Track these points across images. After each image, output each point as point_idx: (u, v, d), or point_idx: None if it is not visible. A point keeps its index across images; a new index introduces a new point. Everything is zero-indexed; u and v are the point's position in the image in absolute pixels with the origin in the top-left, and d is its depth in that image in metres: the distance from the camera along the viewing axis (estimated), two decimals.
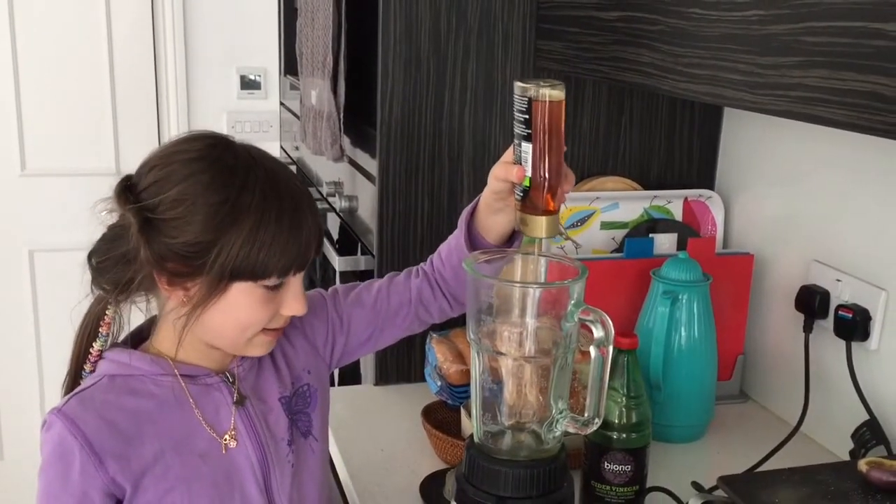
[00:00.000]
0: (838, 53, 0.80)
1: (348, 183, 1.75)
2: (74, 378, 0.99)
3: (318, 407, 1.08)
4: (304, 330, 1.08)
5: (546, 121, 0.92)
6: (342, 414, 1.44)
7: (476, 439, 0.98)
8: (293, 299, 0.96)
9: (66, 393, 0.98)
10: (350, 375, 1.72)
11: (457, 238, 1.08)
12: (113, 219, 0.94)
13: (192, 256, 0.89)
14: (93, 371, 0.98)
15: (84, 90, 2.57)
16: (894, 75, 0.73)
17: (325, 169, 1.94)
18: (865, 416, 1.24)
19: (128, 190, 0.91)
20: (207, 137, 0.95)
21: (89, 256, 0.95)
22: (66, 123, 2.58)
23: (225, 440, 0.98)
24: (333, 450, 1.35)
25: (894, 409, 1.22)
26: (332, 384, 1.76)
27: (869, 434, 1.22)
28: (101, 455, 0.90)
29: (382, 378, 1.54)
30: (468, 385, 1.31)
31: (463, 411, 1.28)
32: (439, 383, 1.35)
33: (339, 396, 1.53)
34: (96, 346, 0.98)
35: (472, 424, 1.00)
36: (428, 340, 1.40)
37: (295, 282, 0.96)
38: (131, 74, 2.60)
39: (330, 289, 1.13)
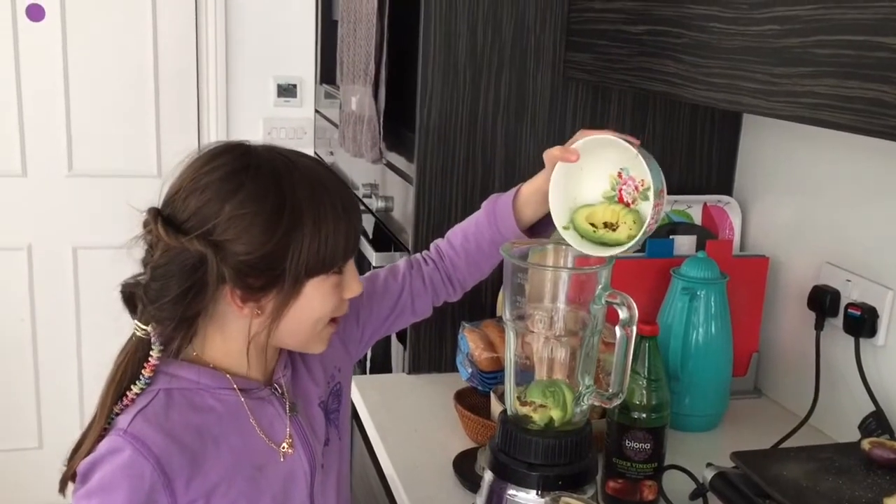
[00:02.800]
0: (845, 64, 0.89)
1: (383, 185, 1.85)
2: (101, 423, 0.92)
3: (345, 403, 1.11)
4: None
5: None
6: (377, 399, 1.53)
7: (509, 413, 1.06)
8: (353, 281, 0.98)
9: (81, 445, 0.93)
10: (381, 365, 1.82)
11: (482, 224, 1.14)
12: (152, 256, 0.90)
13: (268, 267, 0.89)
14: (120, 412, 0.92)
15: (130, 97, 2.70)
16: (895, 83, 0.82)
17: (360, 173, 2.04)
18: (872, 408, 1.32)
19: (169, 223, 0.89)
20: (228, 150, 0.93)
21: (135, 298, 0.91)
22: (112, 128, 2.70)
23: (283, 448, 0.98)
24: (371, 431, 1.44)
25: None
26: (365, 372, 1.86)
27: (875, 424, 1.30)
28: (171, 476, 0.89)
29: (415, 367, 1.63)
30: (498, 371, 1.40)
31: (493, 395, 1.37)
32: (470, 370, 1.44)
33: (373, 384, 1.63)
34: (135, 389, 0.92)
35: (503, 403, 1.09)
36: (460, 330, 1.49)
37: (351, 264, 0.98)
38: (174, 82, 2.72)
39: None
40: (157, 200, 0.93)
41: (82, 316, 2.78)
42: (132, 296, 0.92)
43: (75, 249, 2.74)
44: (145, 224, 0.91)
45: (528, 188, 1.12)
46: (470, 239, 1.17)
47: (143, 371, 0.92)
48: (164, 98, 2.72)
